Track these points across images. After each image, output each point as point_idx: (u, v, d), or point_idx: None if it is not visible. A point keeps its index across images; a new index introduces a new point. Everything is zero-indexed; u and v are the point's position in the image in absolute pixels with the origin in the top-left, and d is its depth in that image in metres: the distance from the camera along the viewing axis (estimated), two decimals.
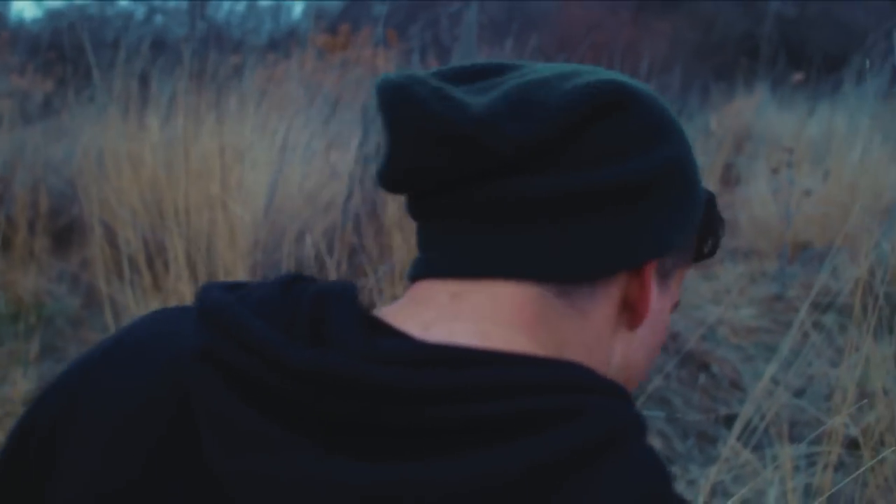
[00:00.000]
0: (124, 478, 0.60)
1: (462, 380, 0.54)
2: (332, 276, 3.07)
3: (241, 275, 2.88)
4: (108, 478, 0.60)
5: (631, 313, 0.67)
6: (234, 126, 4.56)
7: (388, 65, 5.06)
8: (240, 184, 3.48)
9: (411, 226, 3.47)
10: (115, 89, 4.64)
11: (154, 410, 0.61)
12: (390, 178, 0.65)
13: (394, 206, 3.19)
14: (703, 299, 4.68)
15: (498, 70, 0.67)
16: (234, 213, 3.12)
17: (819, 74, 8.85)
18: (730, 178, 7.32)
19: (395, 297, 3.40)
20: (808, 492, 2.67)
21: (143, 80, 5.02)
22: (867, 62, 6.42)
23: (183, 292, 2.76)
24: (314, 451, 0.54)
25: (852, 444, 2.51)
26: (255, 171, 4.09)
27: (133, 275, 2.98)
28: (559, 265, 0.61)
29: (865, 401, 2.30)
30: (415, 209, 0.67)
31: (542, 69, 0.66)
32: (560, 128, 0.60)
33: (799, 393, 3.48)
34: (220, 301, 0.60)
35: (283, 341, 0.56)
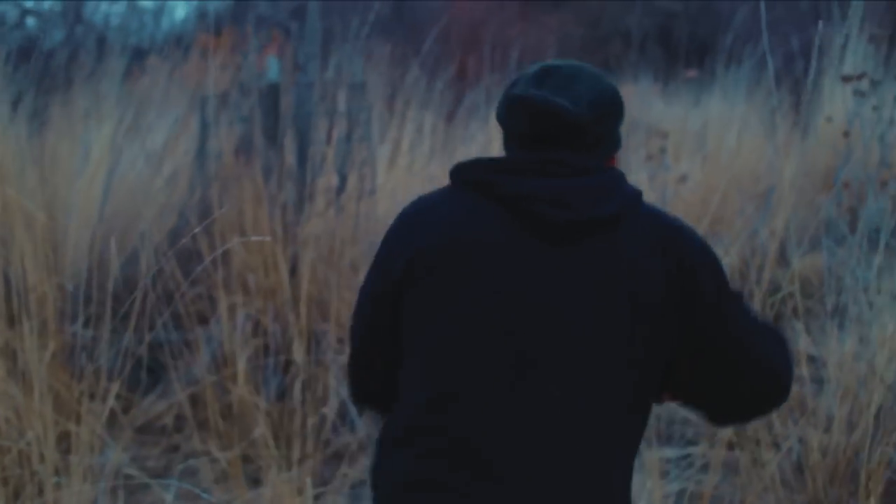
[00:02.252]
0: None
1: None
2: (169, 282, 2.78)
3: (53, 284, 2.56)
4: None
5: None
6: (82, 127, 4.21)
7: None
8: (67, 187, 3.16)
9: (251, 228, 3.19)
10: None
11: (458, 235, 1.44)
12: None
13: (228, 205, 2.90)
14: None
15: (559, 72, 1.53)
16: (53, 219, 2.80)
17: (702, 66, 8.84)
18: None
19: (233, 307, 3.11)
20: (682, 496, 2.50)
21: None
22: (734, 47, 6.41)
23: None
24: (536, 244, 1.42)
25: (727, 443, 2.35)
26: (94, 173, 3.75)
27: None
28: None
29: None
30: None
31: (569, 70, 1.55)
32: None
33: None
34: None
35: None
